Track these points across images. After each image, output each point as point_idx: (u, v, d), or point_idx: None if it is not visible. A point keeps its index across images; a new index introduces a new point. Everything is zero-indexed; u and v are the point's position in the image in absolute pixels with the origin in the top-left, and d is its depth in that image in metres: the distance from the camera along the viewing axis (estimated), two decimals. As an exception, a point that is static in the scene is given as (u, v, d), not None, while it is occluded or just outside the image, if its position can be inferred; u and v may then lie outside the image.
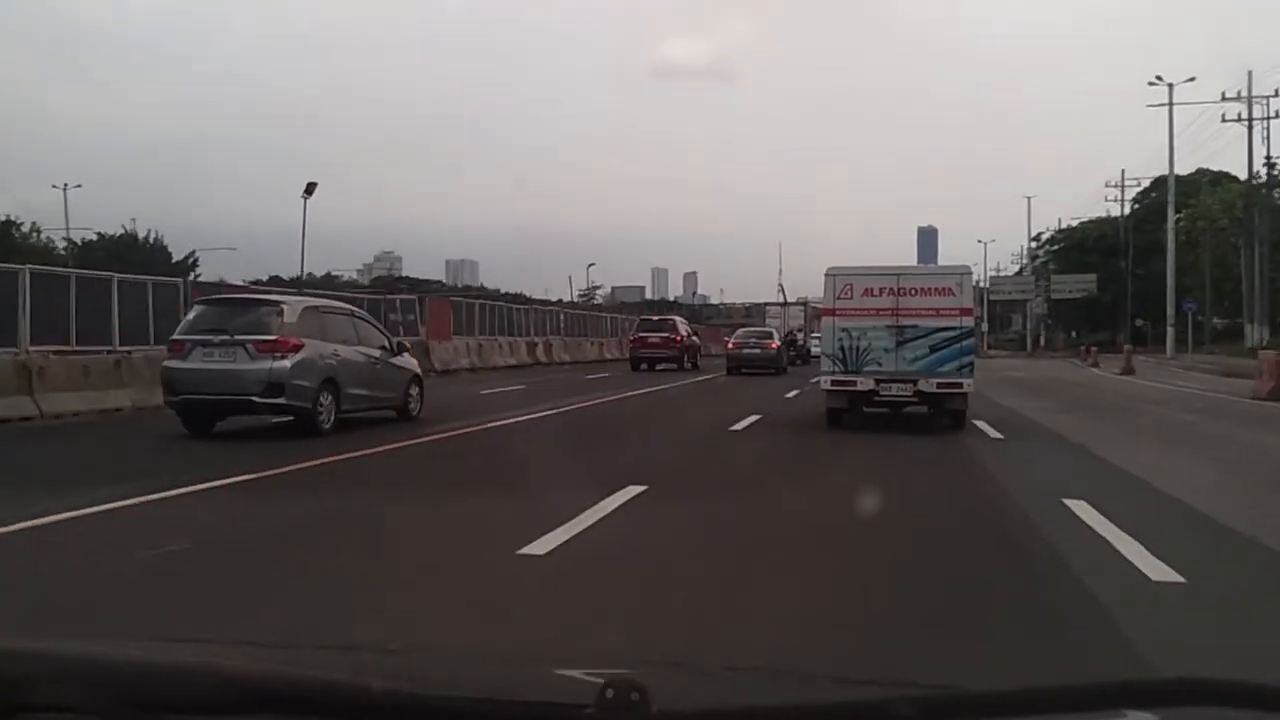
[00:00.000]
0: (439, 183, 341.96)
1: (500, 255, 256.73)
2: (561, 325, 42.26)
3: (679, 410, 17.34)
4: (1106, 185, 71.91)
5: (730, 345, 30.82)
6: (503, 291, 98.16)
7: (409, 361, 14.18)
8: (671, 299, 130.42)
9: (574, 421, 14.61)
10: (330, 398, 11.89)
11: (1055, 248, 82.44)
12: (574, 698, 1.00)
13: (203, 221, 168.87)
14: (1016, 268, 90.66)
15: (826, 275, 12.90)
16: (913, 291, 12.46)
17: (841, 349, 12.54)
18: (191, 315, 12.24)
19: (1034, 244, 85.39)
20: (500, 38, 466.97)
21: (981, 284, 75.53)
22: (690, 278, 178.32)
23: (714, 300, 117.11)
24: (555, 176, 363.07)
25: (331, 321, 12.58)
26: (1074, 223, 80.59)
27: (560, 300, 76.82)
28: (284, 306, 11.97)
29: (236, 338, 11.49)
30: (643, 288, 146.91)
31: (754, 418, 14.33)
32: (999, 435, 12.31)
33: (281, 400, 11.40)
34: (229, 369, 11.40)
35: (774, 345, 29.98)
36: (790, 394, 19.68)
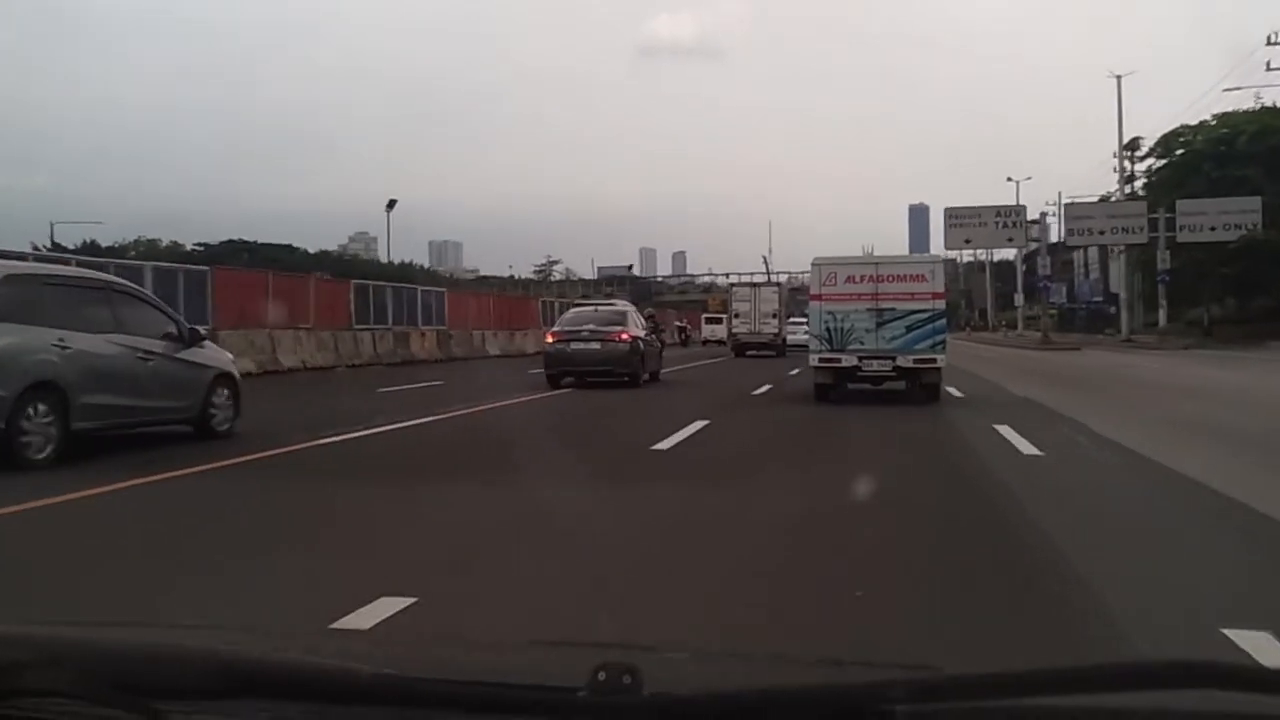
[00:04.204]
0: (421, 163, 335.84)
1: (485, 237, 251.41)
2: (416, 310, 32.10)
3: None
4: (1270, 43, 40.47)
5: (550, 336, 19.21)
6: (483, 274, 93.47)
7: (213, 356, 10.17)
8: (659, 278, 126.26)
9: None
10: (48, 411, 7.92)
11: (1173, 157, 46.89)
12: (566, 680, 0.96)
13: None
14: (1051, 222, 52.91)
15: (813, 265, 14.35)
16: (890, 278, 13.79)
17: (827, 330, 13.84)
18: None
19: (1128, 157, 50.01)
20: (488, 13, 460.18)
21: (1042, 228, 48.93)
22: (679, 257, 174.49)
23: (701, 280, 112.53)
24: (543, 157, 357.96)
25: (60, 297, 8.47)
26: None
27: (513, 277, 71.97)
28: (-38, 275, 7.95)
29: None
30: (630, 266, 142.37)
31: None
32: None
33: (-56, 416, 7.40)
34: None
35: (624, 336, 18.35)
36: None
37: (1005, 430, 10.06)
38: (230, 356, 10.72)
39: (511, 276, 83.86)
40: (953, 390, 15.64)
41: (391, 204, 48.08)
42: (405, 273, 62.93)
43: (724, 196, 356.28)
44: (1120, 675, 0.97)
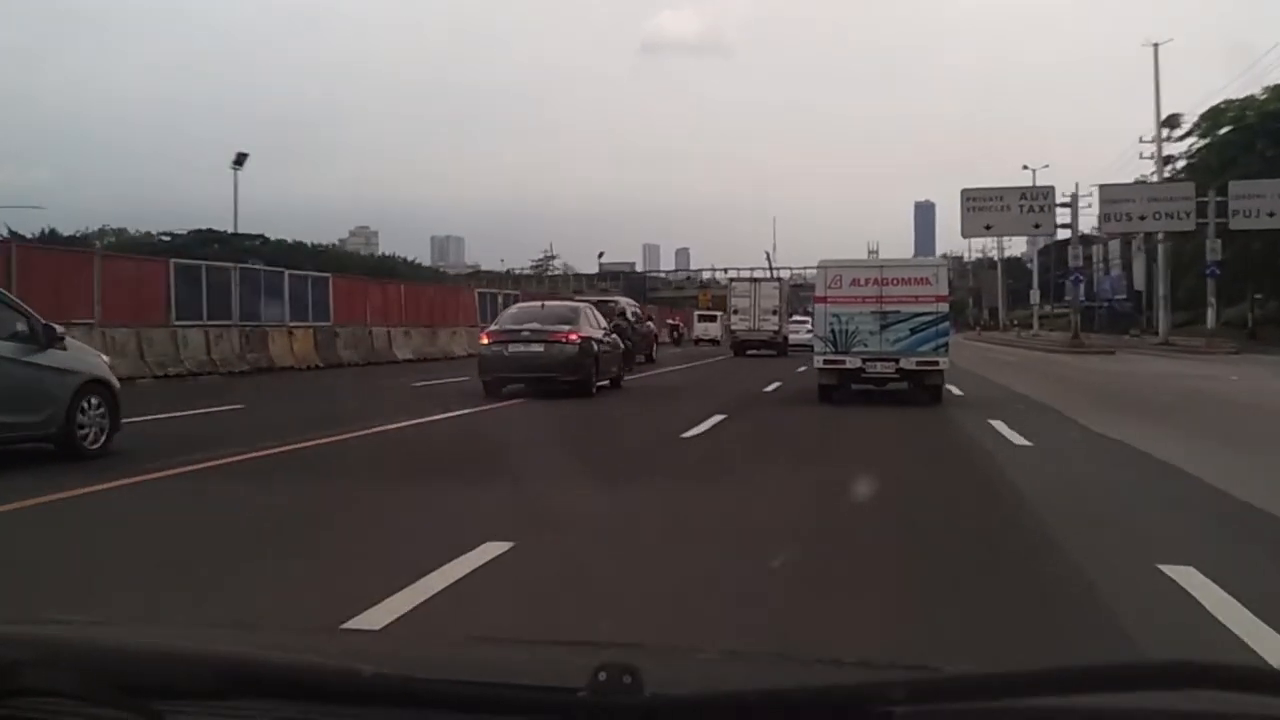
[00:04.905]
0: (426, 159, 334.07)
1: (488, 232, 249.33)
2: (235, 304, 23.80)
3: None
4: None
5: (486, 337, 16.64)
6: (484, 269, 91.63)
7: (79, 359, 8.44)
8: (663, 274, 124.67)
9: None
10: None
11: (1215, 136, 41.52)
12: (566, 680, 0.96)
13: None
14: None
15: (819, 267, 14.69)
16: (895, 281, 13.94)
17: (832, 332, 13.97)
18: None
19: (1166, 137, 44.88)
20: (493, 7, 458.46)
21: (1075, 210, 41.43)
22: (682, 254, 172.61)
23: (702, 275, 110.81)
24: (547, 153, 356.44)
25: None
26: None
27: (509, 272, 69.95)
28: None
29: None
30: (633, 263, 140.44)
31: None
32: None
33: None
34: None
35: (572, 337, 15.74)
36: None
37: (1215, 601, 4.02)
38: (105, 359, 9.01)
39: (508, 271, 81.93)
40: (1004, 430, 10.60)
41: (241, 159, 37.88)
42: (386, 265, 60.98)
43: (728, 193, 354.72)
44: (1119, 675, 0.97)
